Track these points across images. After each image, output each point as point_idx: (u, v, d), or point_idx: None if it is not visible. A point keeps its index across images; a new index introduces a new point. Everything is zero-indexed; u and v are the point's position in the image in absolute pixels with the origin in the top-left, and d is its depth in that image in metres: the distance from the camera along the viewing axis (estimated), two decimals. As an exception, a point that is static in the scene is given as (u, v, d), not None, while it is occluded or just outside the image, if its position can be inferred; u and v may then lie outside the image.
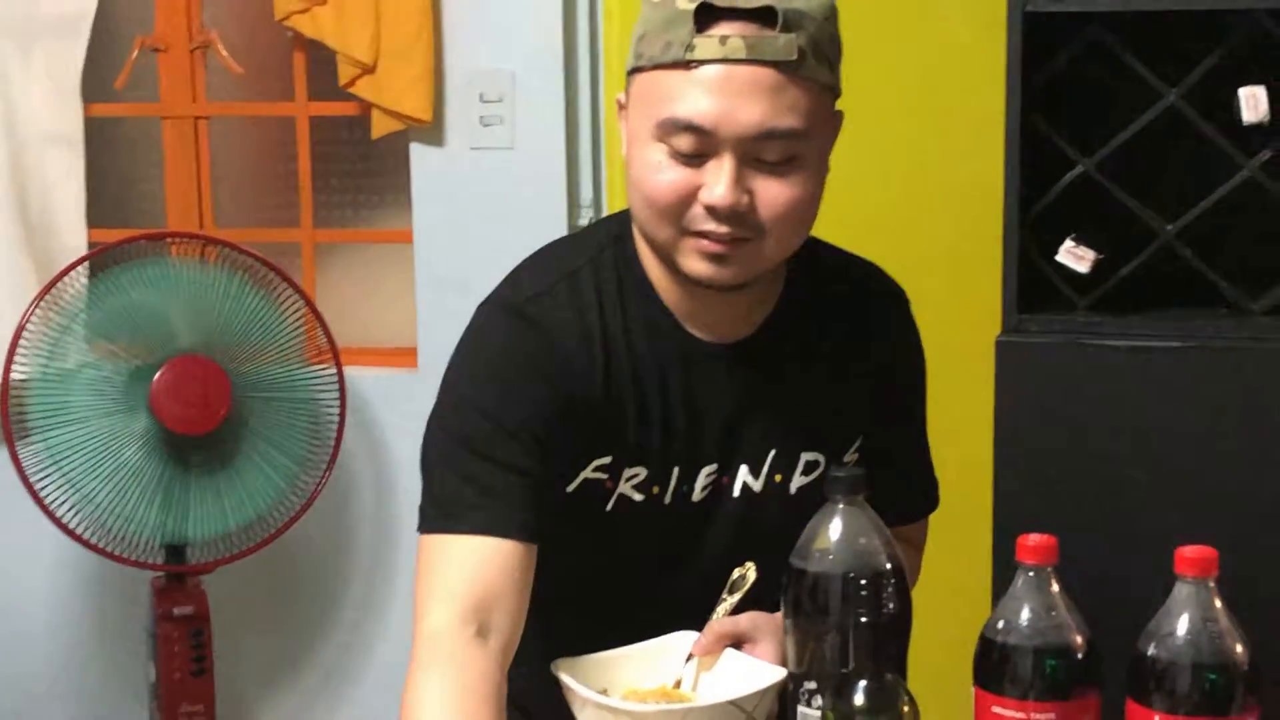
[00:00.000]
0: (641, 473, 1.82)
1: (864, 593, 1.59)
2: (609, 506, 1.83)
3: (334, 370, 3.26)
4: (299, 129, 3.54)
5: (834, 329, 1.90)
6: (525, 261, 1.89)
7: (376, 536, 3.49)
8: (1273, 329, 2.44)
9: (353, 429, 3.31)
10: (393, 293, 3.53)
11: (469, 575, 1.70)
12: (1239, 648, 1.51)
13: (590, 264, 1.83)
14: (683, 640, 1.79)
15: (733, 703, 1.66)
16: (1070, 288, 2.50)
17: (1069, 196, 2.49)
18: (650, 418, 1.81)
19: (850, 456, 1.90)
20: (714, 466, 1.85)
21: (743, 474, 1.86)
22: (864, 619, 1.59)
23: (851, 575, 1.62)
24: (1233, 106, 2.41)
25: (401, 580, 3.48)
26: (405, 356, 3.44)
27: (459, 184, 3.34)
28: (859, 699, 1.58)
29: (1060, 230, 2.49)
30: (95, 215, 3.50)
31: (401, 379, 3.39)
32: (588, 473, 1.81)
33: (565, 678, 1.71)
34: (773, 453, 1.86)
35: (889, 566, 1.63)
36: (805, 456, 1.88)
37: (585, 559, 1.86)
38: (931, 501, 2.04)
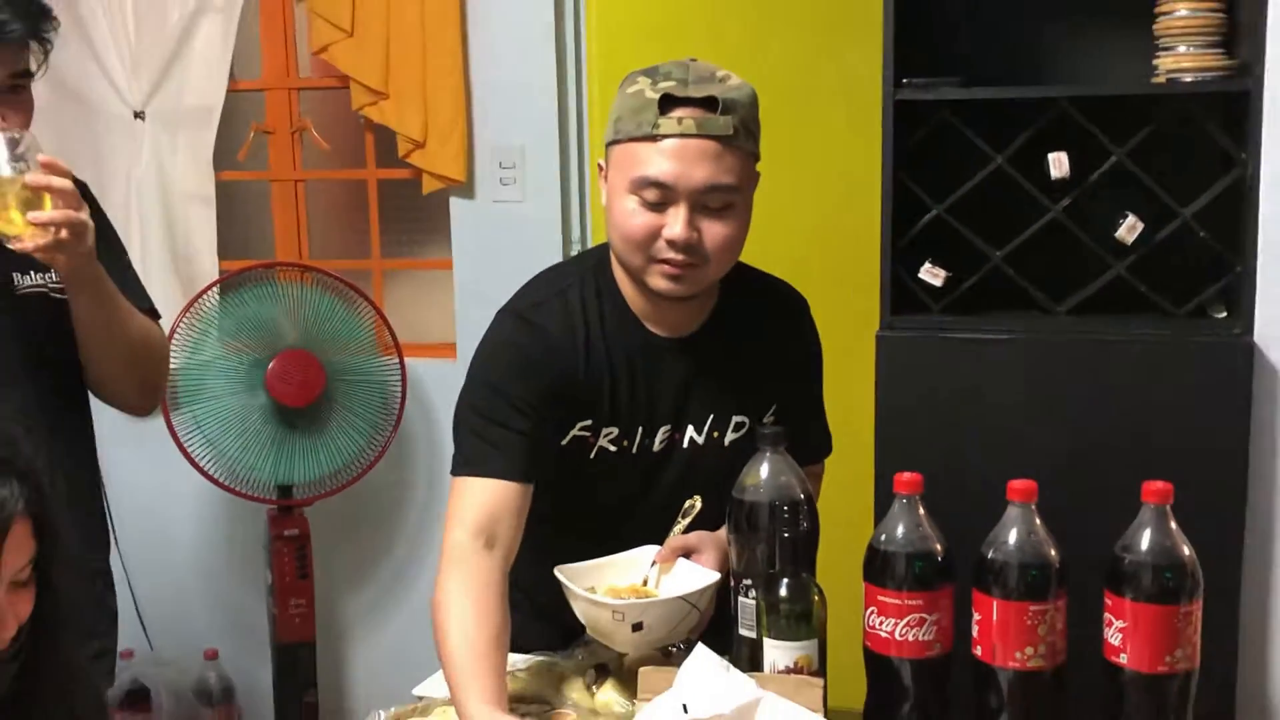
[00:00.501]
0: (615, 431, 1.83)
1: (785, 515, 1.59)
2: (592, 455, 1.83)
3: (397, 360, 3.23)
4: (370, 188, 3.51)
5: (756, 328, 1.90)
6: (529, 281, 1.90)
7: (428, 479, 3.47)
8: (1071, 326, 2.45)
9: (411, 402, 3.29)
10: (438, 304, 3.50)
11: (479, 505, 1.73)
12: (1053, 552, 1.52)
13: (578, 282, 1.84)
14: (648, 552, 1.81)
15: (683, 597, 1.68)
16: (928, 297, 2.51)
17: (927, 232, 2.50)
18: (620, 392, 1.81)
19: (768, 418, 1.89)
20: (668, 426, 1.85)
21: (690, 431, 1.86)
22: (785, 534, 1.58)
23: (775, 503, 1.62)
24: (1044, 165, 2.42)
25: (442, 511, 3.37)
26: (447, 350, 3.41)
27: (485, 226, 3.32)
28: (782, 591, 1.59)
29: (920, 256, 2.49)
30: (223, 250, 3.47)
31: (445, 366, 3.35)
32: (575, 431, 1.82)
33: (563, 579, 1.72)
34: (711, 416, 1.86)
35: (802, 497, 1.63)
36: (735, 418, 1.87)
37: (578, 495, 1.86)
38: (827, 448, 2.04)
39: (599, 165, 1.81)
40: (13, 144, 1.78)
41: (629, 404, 1.82)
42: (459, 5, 3.20)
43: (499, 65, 3.23)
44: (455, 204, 3.34)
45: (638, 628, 1.66)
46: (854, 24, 2.96)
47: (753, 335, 1.89)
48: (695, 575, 1.75)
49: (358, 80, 3.25)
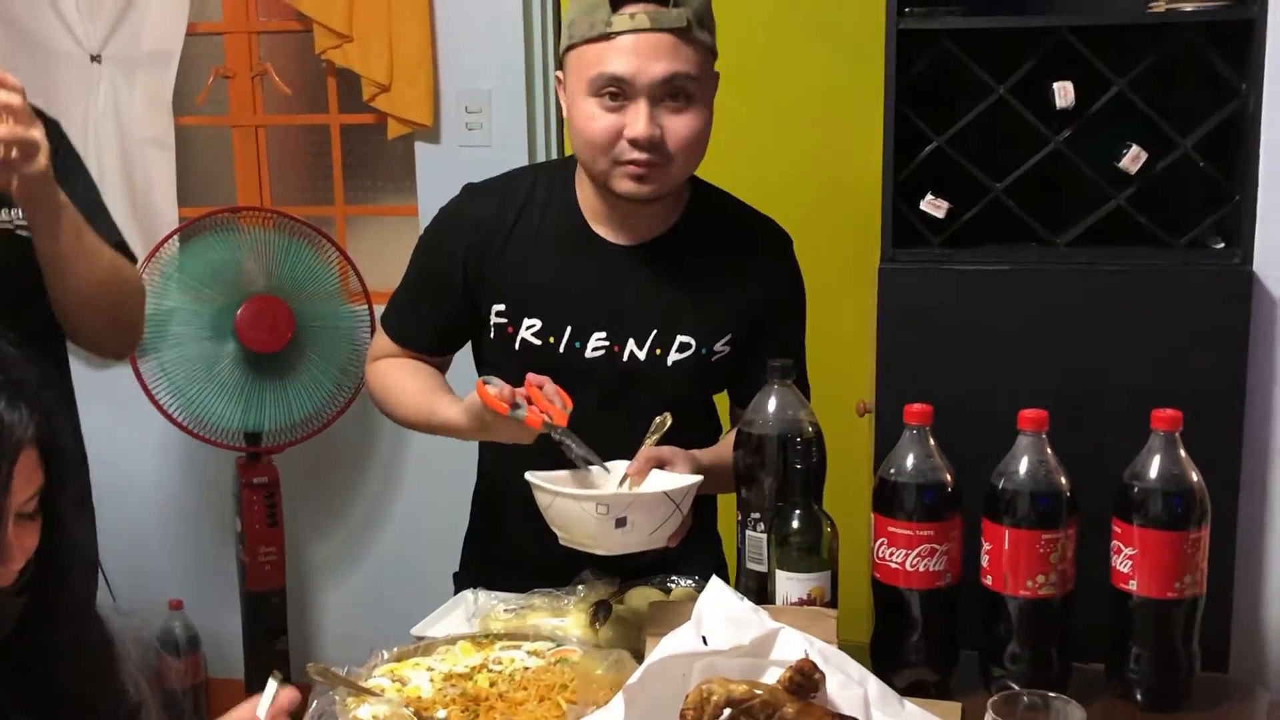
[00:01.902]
0: (537, 324, 1.80)
1: (798, 447, 1.55)
2: (516, 346, 1.81)
3: (366, 306, 3.17)
4: (333, 133, 3.43)
5: (722, 252, 1.84)
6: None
7: (394, 425, 3.40)
8: (1070, 257, 2.44)
9: (378, 348, 3.23)
10: (404, 250, 3.40)
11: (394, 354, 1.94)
12: (1063, 480, 1.50)
13: (533, 174, 1.89)
14: (620, 466, 1.69)
15: (666, 494, 1.60)
16: (928, 230, 2.48)
17: (928, 164, 2.46)
18: (540, 281, 1.80)
19: (721, 347, 1.83)
20: (604, 334, 1.79)
21: (630, 345, 1.80)
22: (798, 465, 1.55)
23: (785, 435, 1.59)
24: (1048, 97, 2.38)
25: (411, 456, 3.41)
26: (414, 296, 3.34)
27: (451, 172, 3.18)
28: (794, 523, 1.56)
29: (921, 188, 2.46)
30: (183, 197, 3.37)
31: (412, 312, 3.31)
32: (494, 318, 1.82)
33: (537, 481, 1.62)
34: (654, 331, 1.80)
35: (811, 430, 1.60)
36: (680, 338, 1.81)
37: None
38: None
39: (556, 77, 1.79)
40: None
41: (553, 298, 1.79)
42: (424, -53, 3.13)
43: (465, 8, 3.16)
44: (420, 149, 3.27)
45: (621, 523, 1.56)
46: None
47: (715, 257, 1.83)
48: (673, 480, 1.66)
49: (321, 23, 3.16)
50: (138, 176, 3.32)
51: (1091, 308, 2.37)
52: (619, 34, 1.64)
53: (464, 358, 1.97)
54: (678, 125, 1.68)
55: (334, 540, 3.50)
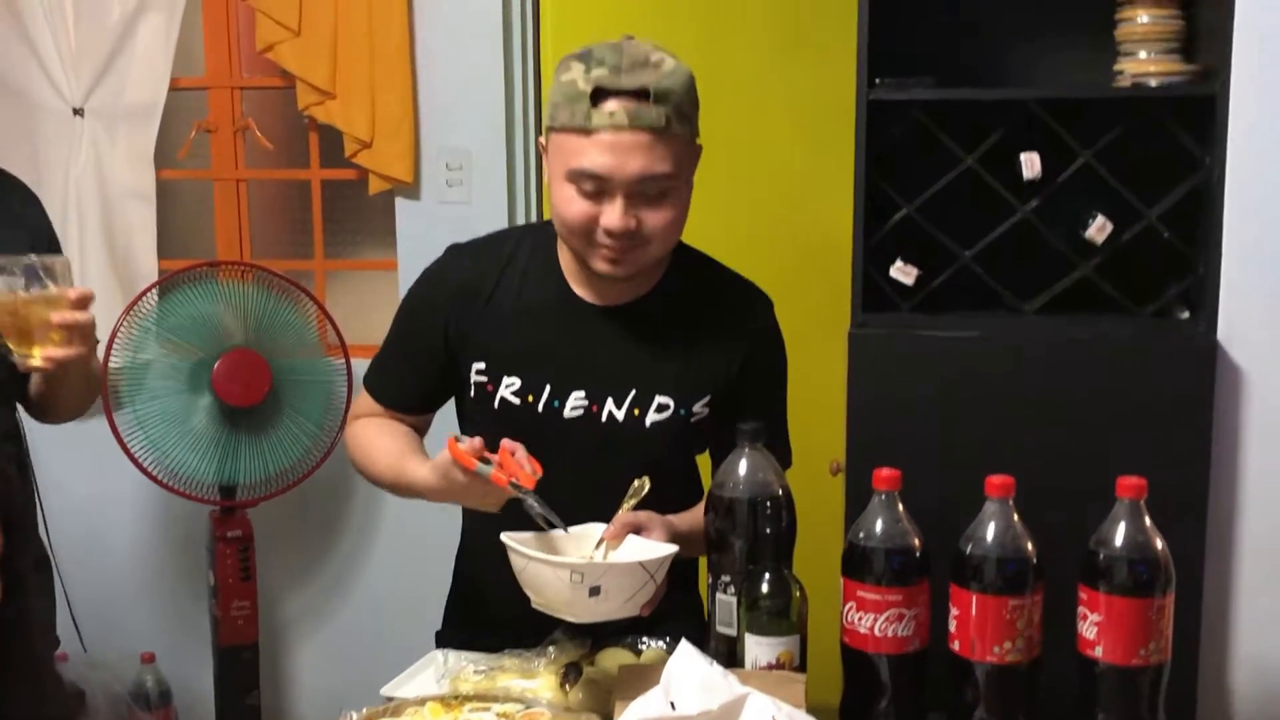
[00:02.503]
0: (517, 383, 1.80)
1: (767, 511, 1.56)
2: (495, 405, 1.82)
3: (343, 360, 3.16)
4: (314, 188, 3.44)
5: (702, 314, 1.85)
6: None
7: (371, 479, 3.41)
8: (1038, 324, 2.47)
9: (355, 402, 3.22)
10: (383, 305, 3.43)
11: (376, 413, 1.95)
12: (1029, 545, 1.51)
13: (517, 235, 1.92)
14: (596, 529, 1.70)
15: (641, 564, 1.59)
16: (898, 295, 2.50)
17: (898, 231, 2.49)
18: (521, 339, 1.81)
19: (700, 409, 1.83)
20: (582, 393, 1.80)
21: (609, 405, 1.81)
22: (767, 530, 1.56)
23: (755, 499, 1.59)
24: (1013, 168, 2.42)
25: (386, 511, 3.41)
26: (392, 350, 3.35)
27: (431, 228, 3.26)
28: (764, 587, 1.56)
29: (890, 255, 2.48)
30: (163, 249, 3.38)
31: (389, 366, 3.31)
32: (474, 376, 1.82)
33: (512, 544, 1.60)
34: (633, 391, 1.81)
35: (781, 492, 1.60)
36: (659, 399, 1.81)
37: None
38: (786, 461, 1.88)
39: (539, 144, 1.80)
40: (47, 271, 1.82)
41: (532, 355, 1.80)
42: (406, 5, 3.15)
43: (446, 66, 3.19)
44: (401, 205, 3.29)
45: (595, 592, 1.56)
46: (821, 24, 2.97)
47: (695, 318, 1.84)
48: (649, 548, 1.66)
49: (304, 80, 3.18)
50: (118, 229, 3.32)
51: (1059, 374, 2.39)
52: (597, 130, 1.65)
53: (447, 417, 1.96)
54: (653, 217, 1.70)
55: (308, 595, 3.48)
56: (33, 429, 2.23)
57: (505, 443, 1.64)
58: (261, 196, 3.57)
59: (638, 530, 1.70)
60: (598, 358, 1.80)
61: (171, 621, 3.49)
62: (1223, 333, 2.37)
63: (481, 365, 1.81)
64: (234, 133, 3.43)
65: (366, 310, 3.54)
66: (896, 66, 2.41)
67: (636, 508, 1.71)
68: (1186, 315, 2.46)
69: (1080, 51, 2.53)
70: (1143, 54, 2.35)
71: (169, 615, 3.50)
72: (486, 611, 1.93)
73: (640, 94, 1.64)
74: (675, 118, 1.66)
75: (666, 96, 1.65)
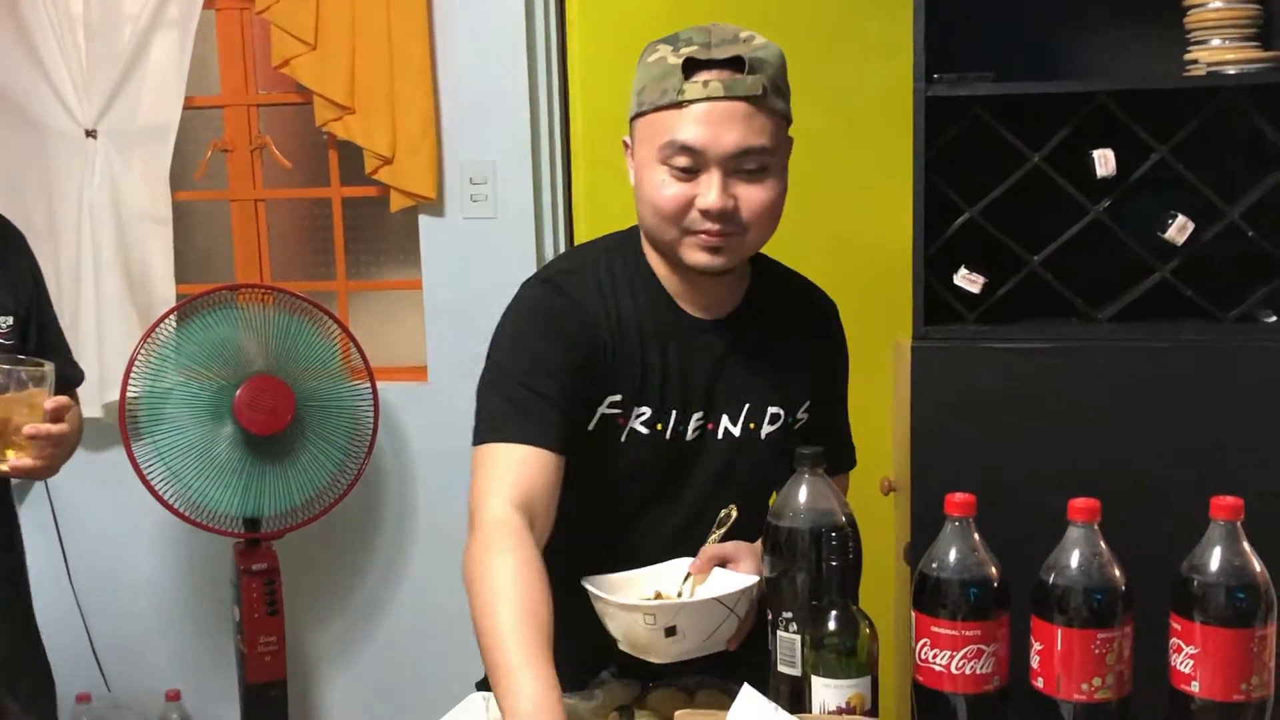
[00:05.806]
0: (647, 412, 1.71)
1: (833, 543, 1.47)
2: (623, 439, 1.71)
3: (368, 384, 3.09)
4: (334, 206, 3.37)
5: (790, 320, 1.81)
6: (555, 257, 1.80)
7: (399, 507, 3.33)
8: (1112, 333, 2.34)
9: (382, 428, 3.14)
10: (405, 326, 3.37)
11: (514, 475, 1.57)
12: (1117, 573, 1.41)
13: (605, 258, 1.74)
14: (682, 564, 1.68)
15: (718, 599, 1.55)
16: (962, 305, 2.38)
17: (959, 236, 2.37)
18: (651, 367, 1.70)
19: (801, 415, 1.80)
20: (701, 414, 1.73)
21: (724, 421, 1.75)
22: (833, 562, 1.46)
23: (818, 529, 1.50)
24: (1085, 165, 2.30)
25: (418, 538, 3.34)
26: (418, 372, 3.28)
27: (455, 244, 3.20)
28: (831, 624, 1.47)
29: (952, 262, 2.38)
30: (180, 273, 3.31)
31: (416, 389, 3.24)
32: (604, 409, 1.69)
33: (591, 589, 1.59)
34: (747, 405, 1.75)
35: (846, 520, 1.51)
36: (770, 410, 1.77)
37: (604, 492, 1.72)
38: (850, 461, 1.94)
39: (624, 142, 1.72)
40: (17, 381, 1.91)
41: (662, 382, 1.71)
42: (427, 16, 3.09)
43: (469, 77, 3.13)
44: (424, 222, 3.22)
45: (671, 632, 1.52)
46: (863, 18, 2.88)
47: (787, 326, 1.80)
48: (732, 580, 1.63)
49: (322, 95, 3.11)
50: (134, 253, 3.26)
51: (1138, 386, 2.26)
52: (692, 102, 1.58)
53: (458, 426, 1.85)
54: (752, 195, 1.62)
55: (336, 629, 3.40)
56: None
57: None
58: (280, 217, 3.51)
59: (725, 562, 1.66)
60: (713, 375, 1.74)
61: (196, 658, 3.42)
62: (1312, 336, 2.25)
63: (617, 398, 1.69)
64: (251, 151, 3.37)
65: (391, 331, 3.47)
66: (948, 62, 2.31)
67: (724, 538, 1.68)
68: (1273, 319, 2.34)
69: (1144, 41, 2.42)
70: (1216, 41, 2.24)
71: (194, 651, 3.43)
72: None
73: (734, 63, 1.59)
74: (771, 90, 1.60)
75: (761, 66, 1.59)
